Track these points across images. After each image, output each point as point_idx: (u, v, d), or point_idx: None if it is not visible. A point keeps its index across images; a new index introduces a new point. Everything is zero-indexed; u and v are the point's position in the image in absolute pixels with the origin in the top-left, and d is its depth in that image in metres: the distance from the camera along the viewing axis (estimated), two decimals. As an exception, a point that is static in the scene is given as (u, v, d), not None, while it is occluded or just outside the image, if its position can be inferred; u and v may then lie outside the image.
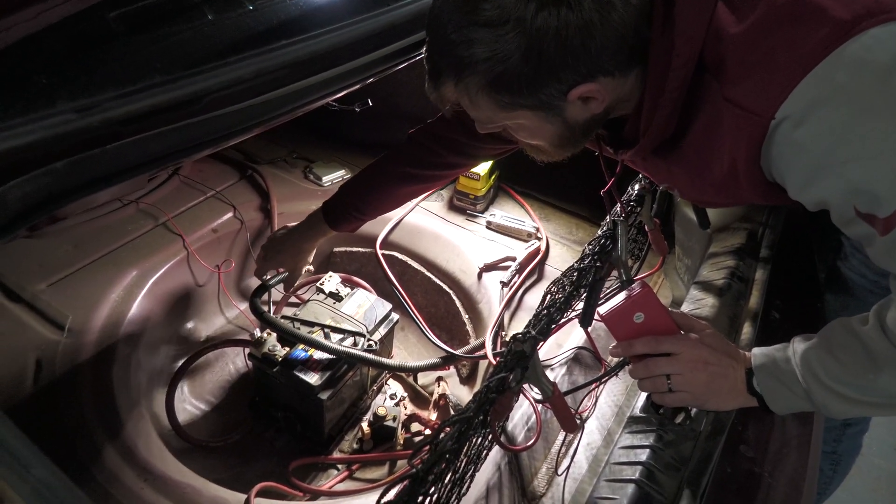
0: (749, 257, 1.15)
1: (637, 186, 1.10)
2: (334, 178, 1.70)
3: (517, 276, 1.42)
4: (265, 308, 1.25)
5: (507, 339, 1.24)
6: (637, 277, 1.25)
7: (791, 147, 0.67)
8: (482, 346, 1.24)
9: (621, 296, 0.86)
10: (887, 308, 0.73)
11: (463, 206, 1.61)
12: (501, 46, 0.67)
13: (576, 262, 0.94)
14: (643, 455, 0.79)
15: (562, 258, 1.52)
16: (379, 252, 1.48)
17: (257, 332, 1.34)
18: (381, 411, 1.21)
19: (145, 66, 0.61)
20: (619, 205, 1.06)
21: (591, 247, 0.97)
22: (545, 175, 1.68)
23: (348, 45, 0.85)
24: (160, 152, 0.65)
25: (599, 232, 1.01)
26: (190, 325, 1.38)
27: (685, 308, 1.09)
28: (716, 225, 1.22)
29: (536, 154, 0.86)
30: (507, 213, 1.62)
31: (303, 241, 1.21)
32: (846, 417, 0.79)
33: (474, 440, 0.79)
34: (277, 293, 1.46)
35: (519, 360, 0.75)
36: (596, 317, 0.90)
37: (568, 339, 1.23)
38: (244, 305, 1.43)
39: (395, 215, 1.56)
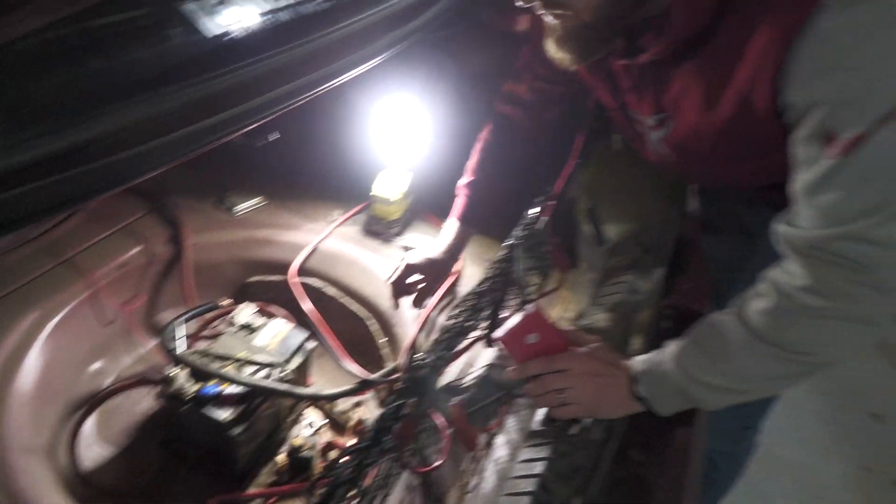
0: (641, 272, 1.23)
1: (535, 210, 1.16)
2: (249, 206, 1.68)
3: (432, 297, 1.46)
4: (176, 344, 1.23)
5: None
6: (545, 293, 1.31)
7: (821, 36, 0.68)
8: (397, 369, 1.27)
9: (517, 317, 0.91)
10: (747, 298, 0.81)
11: (378, 230, 1.63)
12: None
13: (476, 286, 0.99)
14: (539, 467, 0.84)
15: (476, 278, 1.55)
16: (294, 280, 1.49)
17: (168, 370, 1.31)
18: (298, 441, 1.21)
19: (30, 114, 0.61)
20: (517, 228, 1.11)
21: (491, 270, 1.02)
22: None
23: (254, 82, 0.84)
24: (44, 205, 0.64)
25: (500, 254, 1.06)
26: (96, 365, 1.34)
27: (585, 322, 1.16)
28: (612, 241, 1.30)
29: (568, 31, 0.84)
30: (424, 235, 1.65)
31: (447, 254, 1.33)
32: (722, 407, 0.86)
33: (382, 466, 0.82)
34: (191, 328, 1.43)
35: (416, 387, 0.78)
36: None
37: (480, 357, 1.27)
38: (154, 342, 1.40)
39: (309, 242, 1.57)
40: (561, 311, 1.36)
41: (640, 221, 1.35)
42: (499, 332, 0.91)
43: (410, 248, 1.60)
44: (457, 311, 0.97)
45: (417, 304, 1.32)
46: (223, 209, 1.67)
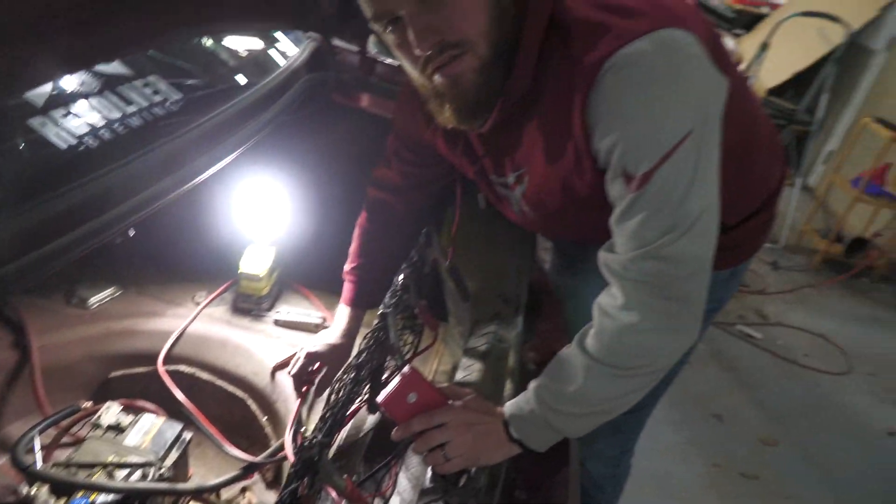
0: (504, 321, 1.34)
1: (401, 276, 1.23)
2: (102, 298, 1.59)
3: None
4: (32, 458, 1.13)
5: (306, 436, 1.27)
6: (420, 350, 1.38)
7: (605, 95, 0.81)
8: (282, 447, 1.26)
9: (395, 380, 0.97)
10: (587, 330, 0.92)
11: (248, 307, 1.62)
12: None
13: (353, 357, 1.03)
14: (433, 524, 0.89)
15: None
16: (161, 369, 1.43)
17: (23, 488, 1.20)
18: (183, 541, 1.16)
19: None
20: (387, 295, 1.18)
21: (366, 341, 1.07)
22: (325, 266, 1.78)
23: (114, 189, 0.81)
24: None
25: (374, 323, 1.12)
26: (-68, 498, 1.18)
27: (459, 375, 1.24)
28: (475, 295, 1.41)
29: (465, 66, 0.86)
30: (294, 307, 1.66)
31: (344, 338, 1.35)
32: (585, 433, 0.96)
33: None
34: (48, 438, 1.32)
35: (307, 468, 0.80)
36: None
37: (366, 421, 1.30)
38: (3, 459, 1.27)
39: (175, 327, 1.52)
40: (437, 364, 1.44)
41: (498, 274, 1.47)
42: (380, 397, 0.96)
43: (281, 321, 1.60)
44: (338, 384, 1.00)
45: (321, 391, 1.33)
46: (74, 304, 1.57)
